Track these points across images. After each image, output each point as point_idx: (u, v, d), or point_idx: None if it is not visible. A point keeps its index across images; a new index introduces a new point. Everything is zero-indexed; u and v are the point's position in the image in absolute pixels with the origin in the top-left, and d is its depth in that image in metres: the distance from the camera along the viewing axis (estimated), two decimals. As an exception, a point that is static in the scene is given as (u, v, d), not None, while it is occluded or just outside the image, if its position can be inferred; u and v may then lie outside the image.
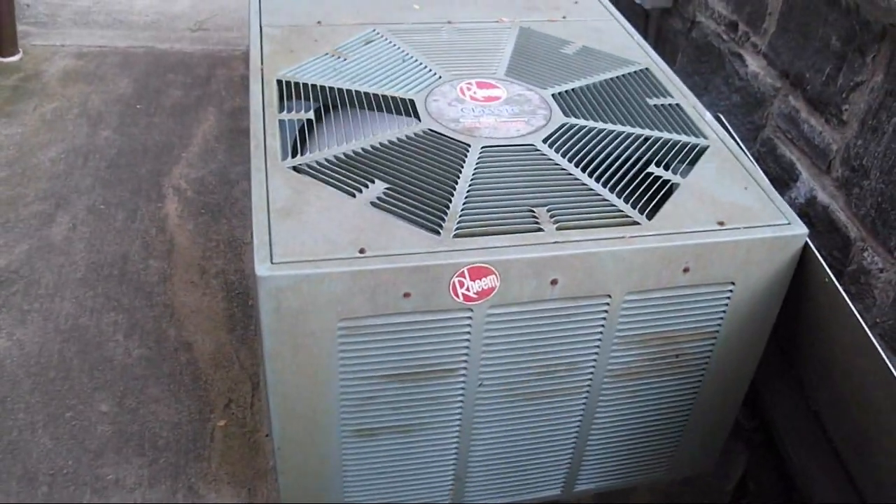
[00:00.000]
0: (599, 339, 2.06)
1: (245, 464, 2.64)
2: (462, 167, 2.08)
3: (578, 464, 2.32)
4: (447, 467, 2.23)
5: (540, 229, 1.95)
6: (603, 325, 2.04)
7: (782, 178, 2.75)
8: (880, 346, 2.00)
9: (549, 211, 1.99)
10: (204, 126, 4.03)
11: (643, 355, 2.13)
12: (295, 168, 2.09)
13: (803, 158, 2.65)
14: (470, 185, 2.04)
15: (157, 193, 3.63)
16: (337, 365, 1.95)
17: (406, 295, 1.88)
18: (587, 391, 2.15)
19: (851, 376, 2.11)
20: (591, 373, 2.12)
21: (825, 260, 2.37)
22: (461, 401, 2.08)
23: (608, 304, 2.00)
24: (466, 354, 2.00)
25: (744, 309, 2.13)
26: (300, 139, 2.22)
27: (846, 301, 2.04)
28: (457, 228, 1.93)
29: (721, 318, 2.12)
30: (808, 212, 2.61)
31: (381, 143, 2.16)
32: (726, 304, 2.10)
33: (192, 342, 2.98)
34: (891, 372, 1.92)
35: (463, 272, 1.87)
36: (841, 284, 2.26)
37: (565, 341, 2.05)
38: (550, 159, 2.14)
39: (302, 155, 2.13)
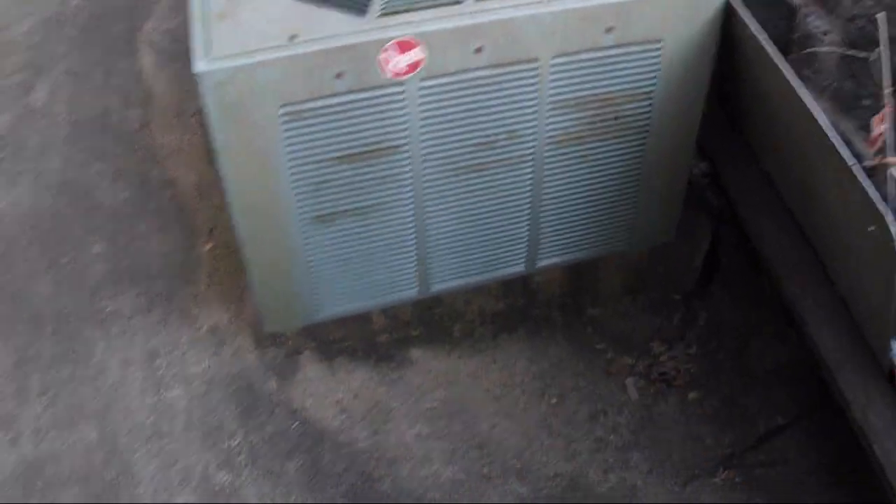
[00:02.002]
0: (535, 105, 2.22)
1: (232, 281, 2.86)
2: (387, -46, 2.23)
3: (537, 237, 2.51)
4: (408, 248, 2.43)
5: (459, 1, 2.10)
6: (536, 90, 2.20)
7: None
8: (811, 99, 2.10)
9: (469, -15, 2.14)
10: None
11: (581, 119, 2.29)
12: (230, -24, 2.24)
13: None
14: (394, -30, 2.19)
15: (131, 49, 3.80)
16: (285, 152, 2.14)
17: (339, 75, 2.05)
18: (531, 159, 2.33)
19: (787, 129, 2.25)
20: (533, 140, 2.29)
21: (770, 31, 2.49)
22: (410, 178, 2.27)
23: (536, 68, 2.16)
24: (406, 130, 2.18)
25: (676, 67, 2.27)
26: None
27: (768, 51, 2.16)
28: (382, 9, 2.08)
29: (654, 78, 2.28)
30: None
31: (309, -57, 2.30)
32: (657, 63, 2.25)
33: (175, 178, 3.19)
34: (814, 119, 2.05)
35: (389, 47, 2.03)
36: (790, 53, 2.37)
37: (500, 109, 2.22)
38: (472, -60, 2.28)
39: (235, -37, 2.28)
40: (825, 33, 2.43)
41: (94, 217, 3.12)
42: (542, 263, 2.58)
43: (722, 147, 2.66)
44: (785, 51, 2.42)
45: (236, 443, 2.57)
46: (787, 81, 2.12)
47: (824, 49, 2.43)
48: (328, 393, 2.69)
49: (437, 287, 2.55)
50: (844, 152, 1.96)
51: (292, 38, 2.03)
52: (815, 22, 2.45)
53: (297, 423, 2.63)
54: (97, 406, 2.67)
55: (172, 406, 2.67)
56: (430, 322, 2.74)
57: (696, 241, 2.83)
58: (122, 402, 2.67)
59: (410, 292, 2.55)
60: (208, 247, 2.97)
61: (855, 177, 1.92)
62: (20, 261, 3.02)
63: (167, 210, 3.12)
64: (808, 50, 2.46)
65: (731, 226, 2.78)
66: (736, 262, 2.85)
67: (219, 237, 2.99)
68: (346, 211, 2.29)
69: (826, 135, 2.00)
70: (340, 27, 2.05)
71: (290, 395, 2.67)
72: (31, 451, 2.58)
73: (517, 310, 2.78)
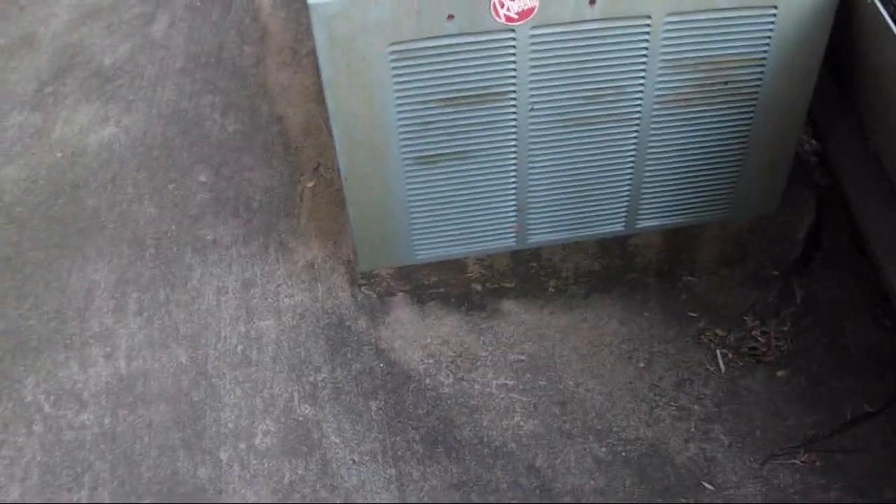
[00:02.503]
0: (644, 63, 2.21)
1: (332, 219, 2.91)
2: None
3: (638, 197, 2.50)
4: (508, 197, 2.44)
5: (578, -50, 2.09)
6: (647, 48, 2.19)
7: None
8: None
9: (589, -66, 2.13)
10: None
11: (691, 80, 2.27)
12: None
13: None
14: (514, -83, 2.19)
15: (251, -14, 3.88)
16: (391, 90, 2.17)
17: (450, 17, 2.07)
18: (638, 117, 2.32)
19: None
20: (640, 98, 2.28)
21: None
22: (515, 126, 2.28)
23: (649, 24, 2.15)
24: (514, 77, 2.18)
25: (790, 34, 2.24)
26: None
27: (888, 22, 2.11)
28: (498, -48, 2.09)
29: (767, 44, 2.25)
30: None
31: None
32: (771, 29, 2.22)
33: (284, 115, 3.25)
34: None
35: (502, -9, 2.04)
36: None
37: (610, 64, 2.21)
38: None
39: None
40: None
41: (202, 147, 3.19)
42: (642, 224, 2.57)
43: (832, 122, 2.62)
44: None
45: (322, 377, 2.61)
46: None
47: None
48: (417, 336, 2.71)
49: (535, 239, 2.56)
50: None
51: (407, -24, 2.03)
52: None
53: (383, 363, 2.66)
54: (190, 329, 2.74)
55: (263, 336, 2.72)
56: (525, 275, 2.75)
57: (800, 218, 2.79)
58: (214, 328, 2.74)
59: (507, 242, 2.56)
60: (311, 184, 3.02)
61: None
62: (129, 184, 3.11)
63: (274, 145, 3.18)
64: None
65: (836, 206, 2.72)
66: (838, 243, 2.79)
67: (322, 175, 3.04)
68: (448, 153, 2.31)
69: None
70: (456, -32, 2.05)
71: (379, 336, 2.70)
72: (124, 367, 2.66)
73: (613, 271, 2.77)
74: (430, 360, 2.67)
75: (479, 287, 2.75)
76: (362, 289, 2.76)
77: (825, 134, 2.68)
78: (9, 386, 2.61)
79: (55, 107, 3.36)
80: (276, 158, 3.12)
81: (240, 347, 2.69)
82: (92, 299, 2.81)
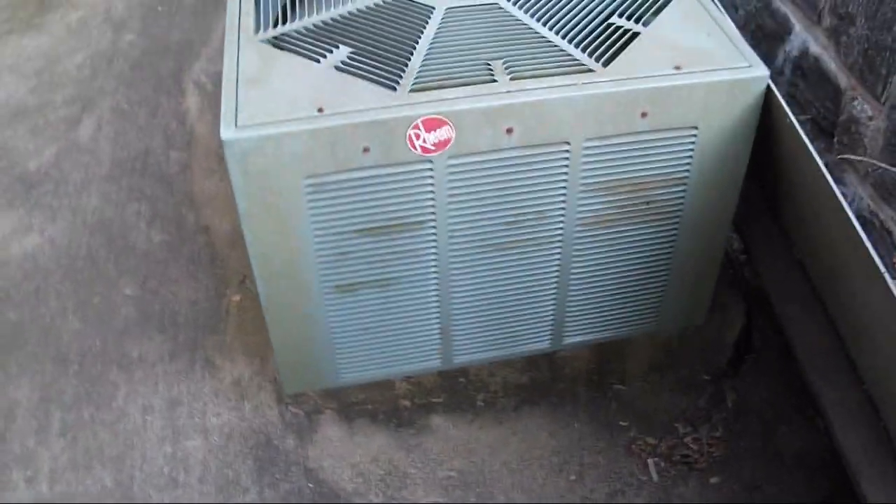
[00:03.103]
0: (564, 187, 2.17)
1: (258, 334, 2.82)
2: (424, 29, 2.20)
3: (563, 315, 2.44)
4: (431, 321, 2.37)
5: (494, 80, 2.05)
6: (566, 173, 2.14)
7: (777, 33, 2.79)
8: (862, 194, 2.02)
9: (504, 63, 2.10)
10: (224, 22, 4.16)
11: (612, 203, 2.23)
12: (268, 40, 2.21)
13: (796, 11, 2.68)
14: (430, 45, 2.15)
15: (178, 89, 3.81)
16: (309, 222, 2.10)
17: (366, 150, 2.01)
18: (560, 240, 2.27)
19: (819, 221, 2.17)
20: (562, 221, 2.23)
21: (817, 111, 2.43)
22: (434, 253, 2.22)
23: (568, 150, 2.10)
24: (433, 206, 2.12)
25: (711, 154, 2.20)
26: (283, 15, 2.34)
27: (804, 142, 2.10)
28: (413, 84, 2.04)
29: (688, 164, 2.21)
30: (802, 64, 2.64)
31: (349, 12, 2.28)
32: (692, 149, 2.18)
33: (210, 225, 3.17)
34: (849, 219, 1.96)
35: (418, 124, 1.99)
36: (834, 135, 2.30)
37: (530, 190, 2.16)
38: (512, 16, 2.24)
39: (274, 28, 2.25)
40: (870, 118, 2.36)
41: (127, 259, 3.11)
42: (568, 341, 2.52)
43: (756, 229, 2.59)
44: (830, 132, 2.39)
45: (249, 499, 2.52)
46: (822, 175, 2.05)
47: (868, 134, 2.35)
48: (346, 455, 2.63)
49: (460, 360, 2.50)
50: (873, 253, 1.88)
51: (320, 109, 1.98)
52: (861, 106, 2.37)
53: (312, 482, 2.58)
54: (115, 451, 2.64)
55: (190, 456, 2.63)
56: (453, 390, 2.69)
57: (730, 321, 2.76)
58: (140, 449, 2.64)
59: (433, 363, 2.49)
60: (237, 298, 2.95)
61: (884, 280, 1.83)
62: (52, 297, 3.01)
63: (200, 257, 3.10)
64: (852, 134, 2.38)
65: (765, 305, 2.68)
66: (769, 344, 2.76)
67: (247, 289, 2.97)
68: (367, 282, 2.25)
69: (857, 233, 1.91)
70: (370, 101, 2.01)
71: (307, 454, 2.62)
72: (46, 491, 2.55)
73: (541, 383, 2.72)
74: (360, 479, 2.59)
75: (407, 403, 2.69)
76: (289, 407, 2.68)
77: (750, 239, 2.65)
78: (-76, 516, 2.48)
79: (-22, 215, 3.26)
80: (202, 271, 3.04)
81: (166, 469, 2.60)
82: (13, 419, 2.71)
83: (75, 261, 3.10)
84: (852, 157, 2.31)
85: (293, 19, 2.27)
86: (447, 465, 2.63)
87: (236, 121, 1.97)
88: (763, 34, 2.86)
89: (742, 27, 2.88)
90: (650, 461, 2.64)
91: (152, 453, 2.65)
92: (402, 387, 2.66)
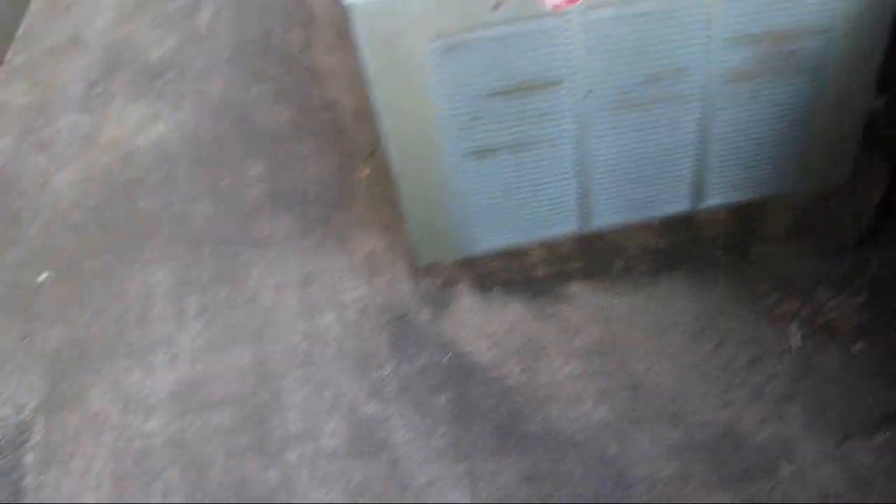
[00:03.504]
0: (704, 40, 2.05)
1: (388, 208, 2.76)
2: None
3: (702, 176, 2.33)
4: (568, 184, 2.29)
5: (629, -73, 1.91)
6: (706, 25, 2.02)
7: None
8: None
9: None
10: None
11: (753, 55, 2.10)
12: None
13: None
14: None
15: (295, -30, 3.73)
16: (438, 85, 2.02)
17: (496, 6, 1.91)
18: (699, 96, 2.15)
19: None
20: (701, 77, 2.12)
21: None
22: (570, 113, 2.13)
23: (706, 1, 1.96)
24: (567, 64, 2.03)
25: (858, 2, 2.03)
26: None
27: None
28: (544, -65, 1.91)
29: (832, 12, 2.06)
30: None
31: None
32: (838, -4, 2.01)
33: (335, 100, 3.12)
34: None
35: (550, -24, 1.87)
36: None
37: (668, 44, 2.05)
38: None
39: None
40: None
41: (253, 139, 3.08)
42: (707, 203, 2.41)
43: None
44: None
45: (387, 373, 2.50)
46: None
47: None
48: (482, 326, 2.58)
49: (598, 223, 2.41)
50: None
51: (449, -34, 1.87)
52: None
53: (448, 355, 2.54)
54: (251, 329, 2.64)
55: (325, 333, 2.61)
56: (589, 256, 2.60)
57: (872, 183, 2.59)
58: (276, 327, 2.64)
59: (569, 227, 2.42)
60: (366, 171, 2.90)
61: None
62: (183, 182, 3.01)
63: (326, 132, 3.05)
64: None
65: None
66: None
67: (377, 162, 2.90)
68: (501, 146, 2.16)
69: None
70: (501, -46, 1.88)
71: (443, 327, 2.58)
72: (187, 371, 2.58)
73: (680, 247, 2.61)
74: (497, 350, 2.54)
75: (543, 271, 2.62)
76: (423, 280, 2.62)
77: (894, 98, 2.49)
78: (75, 396, 2.54)
79: (105, 107, 3.25)
80: (330, 146, 3.00)
81: (302, 346, 2.59)
82: (152, 304, 2.73)
83: (202, 145, 3.08)
84: None
85: None
86: (585, 333, 2.56)
87: (361, -20, 1.87)
88: None
89: None
90: (792, 327, 2.52)
91: (288, 330, 2.64)
92: (537, 254, 2.59)
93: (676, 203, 2.38)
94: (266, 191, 2.91)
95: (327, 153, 2.96)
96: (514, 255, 2.56)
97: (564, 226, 2.39)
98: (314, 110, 3.09)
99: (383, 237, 2.73)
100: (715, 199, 2.39)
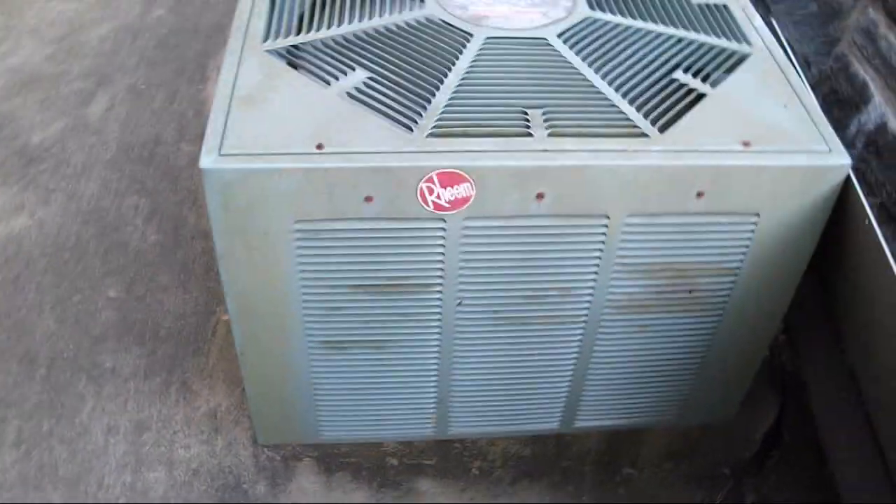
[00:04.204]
0: (597, 265, 1.77)
1: (241, 365, 2.42)
2: (457, 59, 1.79)
3: (577, 398, 2.05)
4: (428, 389, 2.00)
5: (529, 134, 1.65)
6: (601, 250, 1.75)
7: (853, 101, 2.37)
8: None
9: (544, 114, 1.69)
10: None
11: (650, 287, 1.83)
12: (276, 52, 1.81)
13: (877, 79, 2.27)
14: (461, 80, 1.74)
15: (201, 75, 3.42)
16: (296, 270, 1.72)
17: (368, 199, 1.62)
18: (584, 321, 1.87)
19: (886, 336, 1.76)
20: (589, 301, 1.84)
21: (888, 195, 2.02)
22: (438, 319, 1.83)
23: (606, 225, 1.71)
24: (441, 269, 1.74)
25: (770, 245, 1.80)
26: (299, 25, 1.94)
27: (884, 249, 1.69)
28: (433, 127, 1.64)
29: (743, 254, 1.81)
30: (878, 140, 2.24)
31: (373, 29, 1.87)
32: (749, 238, 1.78)
33: (210, 231, 2.77)
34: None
35: (432, 177, 1.60)
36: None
37: (557, 264, 1.77)
38: (562, 56, 1.83)
39: (286, 38, 1.85)
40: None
41: (117, 256, 2.74)
42: (579, 425, 2.13)
43: (807, 323, 2.18)
44: None
45: (208, 550, 2.13)
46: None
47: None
48: (320, 511, 2.23)
49: (456, 430, 2.12)
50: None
51: (319, 146, 1.58)
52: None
53: (276, 540, 2.17)
54: (70, 471, 2.29)
55: (150, 489, 2.27)
56: (447, 454, 2.31)
57: (760, 415, 2.36)
58: (97, 473, 2.29)
59: (425, 431, 2.11)
60: (226, 317, 2.56)
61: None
62: (31, 289, 2.65)
63: (195, 265, 2.72)
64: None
65: (800, 398, 2.27)
66: (800, 441, 2.34)
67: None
68: (360, 341, 1.87)
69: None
70: (380, 141, 1.61)
71: (277, 505, 2.22)
72: (-12, 507, 2.17)
73: (545, 458, 2.33)
74: (331, 541, 2.19)
75: (394, 461, 2.30)
76: (265, 449, 2.29)
77: (797, 332, 2.26)
78: None
79: (-32, 187, 2.90)
80: (195, 281, 2.66)
81: (122, 500, 2.22)
82: (-33, 422, 2.33)
83: (62, 251, 2.73)
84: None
85: (309, 29, 1.87)
86: (430, 536, 2.23)
87: (221, 146, 1.58)
88: (836, 99, 2.44)
89: (813, 87, 2.46)
90: (655, 559, 2.23)
91: (110, 480, 2.29)
92: (391, 443, 2.27)
93: (545, 423, 2.11)
94: (118, 317, 2.57)
95: (191, 289, 2.63)
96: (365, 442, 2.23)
97: (420, 429, 2.10)
98: (187, 238, 2.75)
99: (231, 394, 2.40)
100: (588, 422, 2.13)
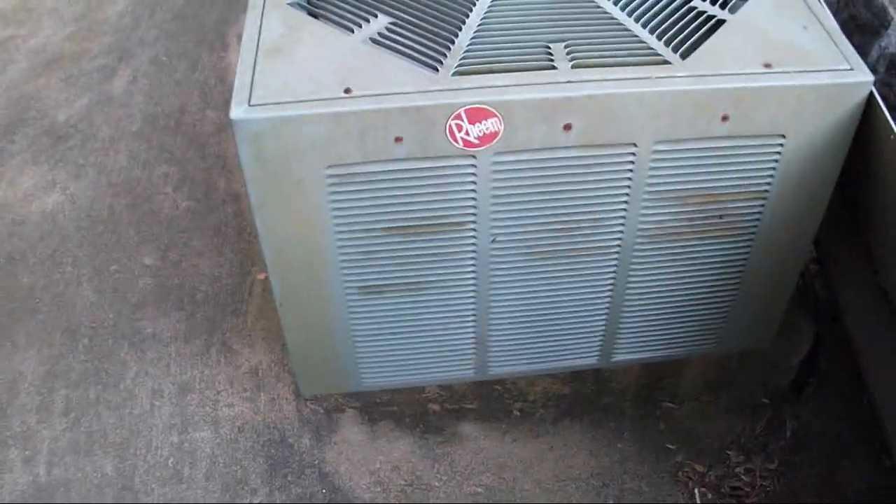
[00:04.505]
0: (627, 194, 1.79)
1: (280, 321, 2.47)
2: (477, 0, 1.80)
3: (614, 332, 2.08)
4: (466, 330, 2.03)
5: (553, 67, 1.68)
6: (630, 178, 1.77)
7: (873, 25, 2.38)
8: None
9: (566, 47, 1.71)
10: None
11: (681, 214, 1.85)
12: (298, 3, 1.84)
13: (896, 0, 2.26)
14: (482, 19, 1.77)
15: (221, 43, 3.46)
16: (330, 216, 1.75)
17: (398, 139, 1.65)
18: (617, 251, 1.90)
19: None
20: (621, 231, 1.86)
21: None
22: (473, 257, 1.86)
23: (634, 153, 1.73)
24: (474, 207, 1.76)
25: (797, 166, 1.82)
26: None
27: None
28: (458, 66, 1.67)
29: (771, 176, 1.83)
30: (900, 62, 2.24)
31: (393, -25, 1.88)
32: (776, 160, 1.80)
33: (241, 193, 2.83)
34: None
35: (460, 114, 1.62)
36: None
37: (587, 195, 1.79)
38: (580, -10, 1.83)
39: (307, -12, 1.88)
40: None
41: (150, 224, 2.78)
42: (618, 359, 2.16)
43: (836, 245, 2.19)
44: None
45: (257, 501, 2.20)
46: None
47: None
48: (366, 460, 2.30)
49: (496, 371, 2.15)
50: None
51: (347, 90, 1.61)
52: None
53: (326, 488, 2.26)
54: (119, 436, 2.34)
55: (197, 449, 2.32)
56: (488, 397, 2.34)
57: (796, 342, 2.37)
58: (146, 436, 2.34)
59: (465, 373, 2.15)
60: (262, 276, 2.61)
61: None
62: (69, 262, 2.71)
63: (227, 228, 2.76)
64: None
65: (836, 323, 2.29)
66: (836, 365, 2.37)
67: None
68: (396, 285, 1.90)
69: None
70: (406, 83, 1.64)
71: (323, 457, 2.30)
72: (43, 475, 2.27)
73: (585, 396, 2.36)
74: (378, 489, 2.26)
75: (436, 407, 2.34)
76: (308, 403, 2.34)
77: (828, 254, 2.26)
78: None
79: (0, 167, 2.94)
80: (228, 244, 2.70)
81: (171, 460, 2.29)
82: (16, 393, 2.42)
83: (96, 224, 2.78)
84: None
85: (329, -19, 1.89)
86: (475, 479, 2.29)
87: (250, 98, 1.62)
88: (856, 25, 2.44)
89: (833, 14, 2.47)
90: (697, 491, 2.27)
91: (158, 442, 2.35)
92: (432, 389, 2.33)
93: (583, 357, 2.14)
94: (155, 284, 2.61)
95: (225, 251, 2.67)
96: (407, 388, 2.28)
97: (460, 371, 2.13)
98: (217, 202, 2.79)
99: (271, 351, 2.44)
100: (626, 355, 2.16)
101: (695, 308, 2.07)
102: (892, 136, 1.76)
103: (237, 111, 1.59)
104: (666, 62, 1.70)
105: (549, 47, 1.72)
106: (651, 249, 1.91)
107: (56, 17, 3.70)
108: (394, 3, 1.82)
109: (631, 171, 1.76)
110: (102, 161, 3.00)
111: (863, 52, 2.34)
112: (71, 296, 2.63)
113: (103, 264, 2.70)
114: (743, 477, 2.30)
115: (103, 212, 2.84)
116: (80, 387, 2.44)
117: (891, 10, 2.24)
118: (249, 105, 1.60)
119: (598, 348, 2.12)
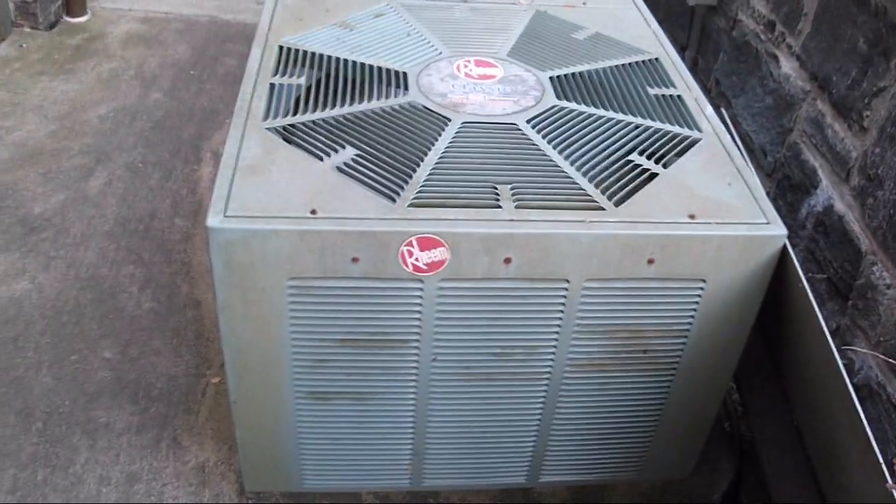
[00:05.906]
0: (559, 326, 2.02)
1: (230, 422, 2.64)
2: (436, 140, 2.07)
3: (542, 454, 2.28)
4: (404, 441, 2.22)
5: (498, 206, 1.92)
6: (562, 312, 2.00)
7: (804, 185, 2.66)
8: (871, 363, 1.89)
9: (512, 189, 1.96)
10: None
11: (607, 347, 2.08)
12: (275, 129, 2.09)
13: (825, 165, 2.55)
14: (439, 159, 2.02)
15: (196, 156, 3.70)
16: (287, 324, 1.96)
17: (354, 259, 1.87)
18: (547, 379, 2.12)
19: (820, 393, 2.01)
20: (551, 360, 2.08)
21: (834, 272, 2.27)
22: (415, 373, 2.07)
23: (566, 289, 1.96)
24: (419, 327, 1.98)
25: (717, 308, 2.06)
26: (295, 106, 2.22)
27: (815, 312, 1.95)
28: (413, 198, 1.91)
29: (692, 317, 2.06)
30: (825, 221, 2.51)
31: (362, 112, 2.15)
32: (697, 302, 2.04)
33: (202, 300, 3.03)
34: (849, 394, 1.82)
35: (412, 241, 1.85)
36: (849, 299, 2.14)
37: (522, 324, 2.01)
38: (529, 140, 2.11)
39: (284, 117, 2.13)
40: (889, 287, 2.21)
41: (113, 320, 2.97)
42: (545, 479, 2.36)
43: (756, 384, 2.43)
44: (845, 295, 2.28)
45: None
46: (829, 349, 1.91)
47: (885, 303, 2.20)
48: (299, 564, 2.44)
49: (430, 483, 2.34)
50: (875, 448, 1.73)
51: (313, 211, 1.85)
52: (881, 273, 2.23)
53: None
54: (64, 519, 2.45)
55: (139, 538, 2.43)
56: (420, 509, 2.51)
57: (718, 476, 2.57)
58: (89, 523, 2.45)
59: (402, 483, 2.33)
60: (216, 380, 2.79)
61: (883, 475, 1.68)
62: (30, 348, 2.88)
63: (187, 331, 2.95)
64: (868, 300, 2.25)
65: (758, 464, 2.50)
66: (757, 500, 2.56)
67: (228, 372, 2.80)
68: (343, 393, 2.10)
69: (859, 419, 1.77)
70: (366, 209, 1.88)
71: (258, 557, 2.43)
72: (-15, 553, 2.36)
73: (513, 514, 2.53)
74: (309, 590, 2.40)
75: (371, 516, 2.50)
76: (250, 501, 2.50)
77: (749, 393, 2.50)
78: None
79: (-29, 253, 3.14)
80: (186, 346, 2.90)
81: (112, 549, 2.41)
82: (-35, 468, 2.54)
83: (60, 314, 2.97)
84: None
85: (304, 111, 2.16)
86: (402, 588, 2.44)
87: (226, 209, 1.85)
88: (789, 184, 2.73)
89: (769, 175, 2.76)
90: None
91: (101, 529, 2.46)
92: (369, 496, 2.49)
93: (513, 476, 2.33)
94: (113, 377, 2.80)
95: (182, 353, 2.87)
96: (345, 496, 2.46)
97: (396, 480, 2.31)
98: (179, 306, 3.00)
99: (219, 450, 2.62)
100: (553, 476, 2.35)
101: (618, 436, 2.28)
102: (800, 285, 2.01)
103: (213, 220, 1.82)
104: (601, 208, 1.95)
105: (497, 188, 1.97)
106: (579, 379, 2.13)
107: (41, 113, 3.95)
108: (361, 136, 2.07)
109: (563, 304, 1.99)
110: (72, 255, 3.20)
111: (794, 209, 2.63)
112: (29, 380, 2.80)
113: (64, 353, 2.88)
114: None
115: (69, 303, 3.03)
116: (29, 468, 2.59)
117: (820, 173, 2.52)
118: (225, 216, 1.83)
119: (526, 468, 2.33)
